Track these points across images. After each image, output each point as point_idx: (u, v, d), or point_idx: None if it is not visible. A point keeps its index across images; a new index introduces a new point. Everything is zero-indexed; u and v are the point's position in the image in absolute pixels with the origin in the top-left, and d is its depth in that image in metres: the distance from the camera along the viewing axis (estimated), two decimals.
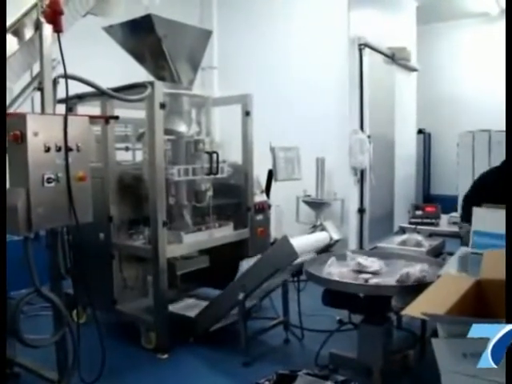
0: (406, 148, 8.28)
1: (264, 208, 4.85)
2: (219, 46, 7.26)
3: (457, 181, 7.57)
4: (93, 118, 3.53)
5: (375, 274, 3.05)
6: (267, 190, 5.51)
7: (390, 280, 2.92)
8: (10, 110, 2.77)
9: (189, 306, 4.19)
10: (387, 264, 3.24)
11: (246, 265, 3.70)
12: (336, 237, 3.64)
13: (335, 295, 3.07)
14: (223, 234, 4.34)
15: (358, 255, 3.28)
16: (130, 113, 4.31)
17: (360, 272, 3.07)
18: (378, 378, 2.97)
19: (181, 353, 3.77)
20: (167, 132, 3.91)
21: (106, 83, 3.46)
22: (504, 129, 2.74)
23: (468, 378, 1.63)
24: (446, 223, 5.08)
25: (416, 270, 2.90)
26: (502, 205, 2.54)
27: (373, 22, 6.90)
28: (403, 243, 3.98)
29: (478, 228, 3.00)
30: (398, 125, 7.65)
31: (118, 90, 3.59)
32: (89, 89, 3.31)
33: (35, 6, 2.78)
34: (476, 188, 4.09)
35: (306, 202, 6.26)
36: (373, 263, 3.13)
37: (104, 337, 3.04)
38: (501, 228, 2.16)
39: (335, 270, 3.04)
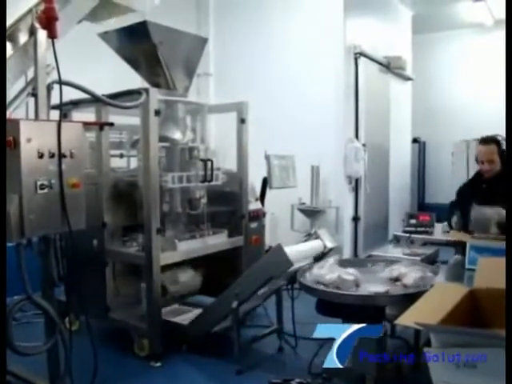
0: (401, 157, 8.32)
1: (259, 216, 4.83)
2: (215, 53, 7.26)
3: (451, 190, 7.54)
4: (87, 125, 3.52)
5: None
6: (262, 198, 5.50)
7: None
8: None
9: (182, 314, 4.16)
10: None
11: None
12: (330, 245, 3.63)
13: (329, 304, 3.06)
14: (217, 241, 4.32)
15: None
16: (125, 119, 4.30)
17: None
18: None
19: (174, 360, 3.75)
20: (162, 139, 3.90)
21: (101, 89, 3.45)
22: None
23: None
24: (440, 232, 5.08)
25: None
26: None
27: (368, 31, 6.95)
28: None
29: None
30: (393, 133, 7.69)
31: (112, 96, 3.58)
32: (83, 95, 3.29)
33: (30, 11, 2.77)
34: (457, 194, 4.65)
35: (301, 210, 6.25)
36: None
37: (96, 344, 3.01)
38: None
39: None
